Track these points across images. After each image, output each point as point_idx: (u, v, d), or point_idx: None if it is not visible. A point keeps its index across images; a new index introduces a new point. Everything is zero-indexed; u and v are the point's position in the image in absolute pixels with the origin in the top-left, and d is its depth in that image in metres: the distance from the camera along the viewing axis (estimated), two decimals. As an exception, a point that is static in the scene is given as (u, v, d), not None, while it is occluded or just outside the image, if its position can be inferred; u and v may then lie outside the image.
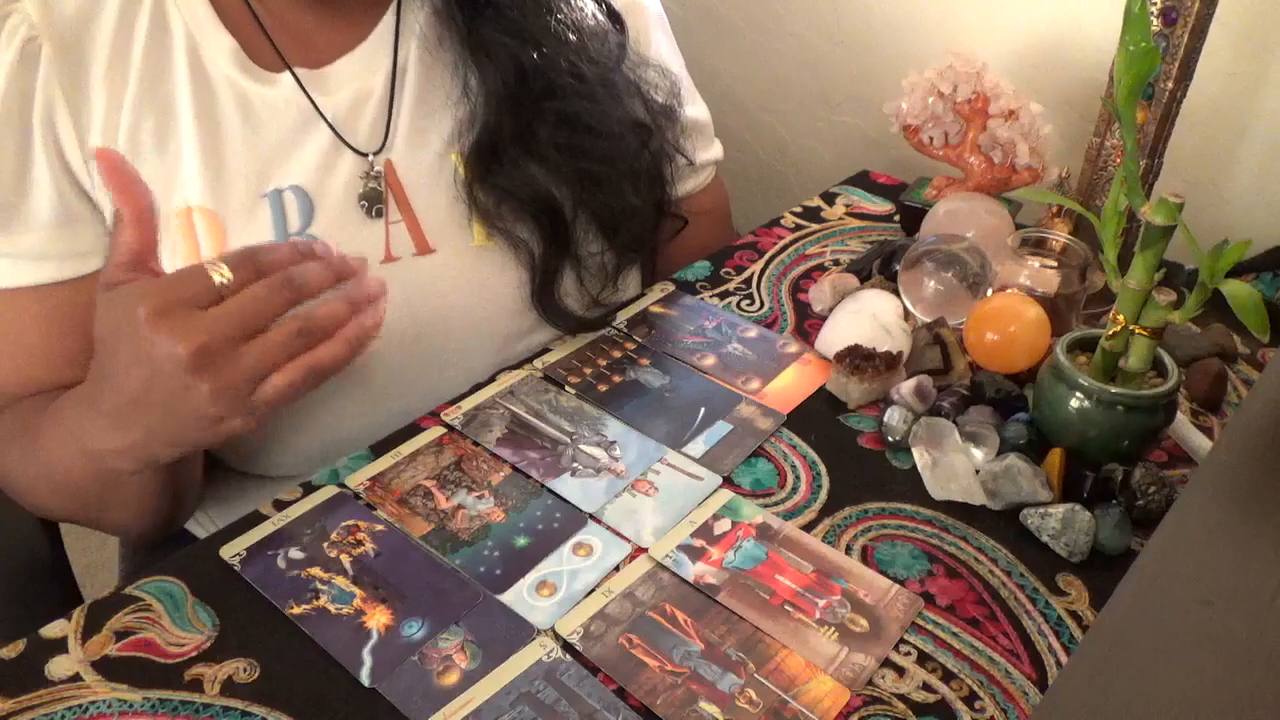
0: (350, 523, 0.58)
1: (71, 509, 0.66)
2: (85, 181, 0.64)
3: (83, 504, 0.64)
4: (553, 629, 0.52)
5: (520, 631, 0.52)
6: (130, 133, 0.64)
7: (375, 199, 0.68)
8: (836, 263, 0.87)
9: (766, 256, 0.87)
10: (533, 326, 0.74)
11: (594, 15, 0.76)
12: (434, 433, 0.65)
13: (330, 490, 0.61)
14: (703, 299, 0.81)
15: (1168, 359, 0.60)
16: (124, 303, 0.51)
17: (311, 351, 0.53)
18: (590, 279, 0.75)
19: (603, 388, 0.70)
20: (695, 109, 0.86)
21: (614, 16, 0.78)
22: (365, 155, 0.69)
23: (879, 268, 0.81)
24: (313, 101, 0.67)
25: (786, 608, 0.53)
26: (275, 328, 0.52)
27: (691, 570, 0.55)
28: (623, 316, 0.78)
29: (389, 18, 0.71)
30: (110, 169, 0.53)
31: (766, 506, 0.60)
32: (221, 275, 0.51)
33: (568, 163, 0.71)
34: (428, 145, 0.71)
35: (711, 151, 0.89)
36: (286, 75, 0.67)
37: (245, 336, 0.51)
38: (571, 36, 0.72)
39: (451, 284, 0.70)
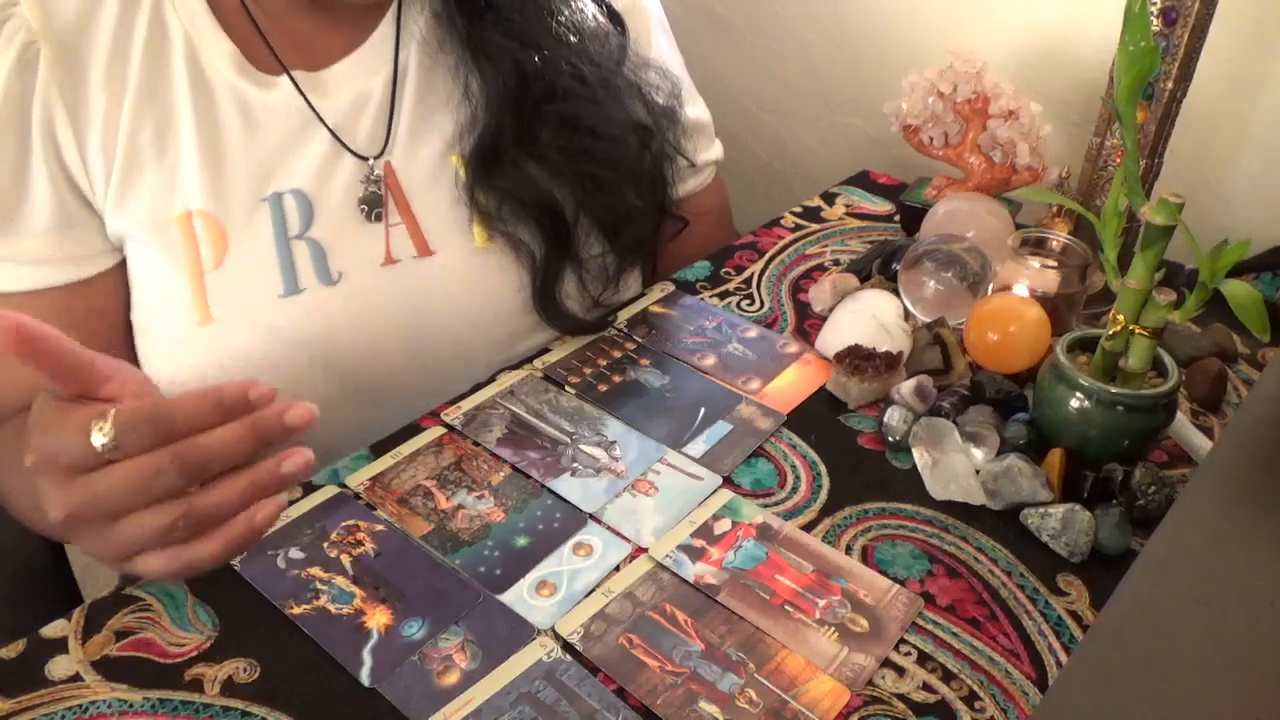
0: (350, 523, 0.58)
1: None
2: (84, 186, 0.64)
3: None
4: (553, 629, 0.52)
5: (520, 631, 0.52)
6: (129, 137, 0.63)
7: (375, 203, 0.68)
8: (836, 263, 0.87)
9: (766, 256, 0.87)
10: (533, 328, 0.74)
11: (594, 17, 0.76)
12: (434, 433, 0.65)
13: (330, 490, 0.61)
14: (703, 299, 0.81)
15: (1168, 359, 0.60)
16: (31, 430, 0.46)
17: (188, 546, 0.46)
18: (591, 281, 0.75)
19: (603, 388, 0.70)
20: (696, 109, 0.86)
21: (614, 18, 0.78)
22: (365, 159, 0.69)
23: (879, 268, 0.81)
24: (311, 105, 0.67)
25: (786, 608, 0.53)
26: (155, 510, 0.45)
27: (691, 570, 0.55)
28: (623, 316, 0.78)
29: (388, 21, 0.71)
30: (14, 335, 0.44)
31: (766, 506, 0.60)
32: (105, 437, 0.44)
33: (569, 165, 0.71)
34: (428, 148, 0.71)
35: (712, 152, 0.89)
36: (285, 79, 0.67)
37: (118, 512, 0.45)
38: (572, 38, 0.72)
39: (452, 286, 0.70)
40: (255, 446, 0.46)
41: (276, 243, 0.66)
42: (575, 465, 0.63)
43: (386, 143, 0.70)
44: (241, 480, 0.47)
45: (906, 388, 0.66)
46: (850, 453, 0.65)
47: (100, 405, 0.45)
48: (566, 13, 0.73)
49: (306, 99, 0.67)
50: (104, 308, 0.66)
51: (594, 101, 0.72)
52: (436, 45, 0.72)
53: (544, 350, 0.74)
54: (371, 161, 0.69)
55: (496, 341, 0.73)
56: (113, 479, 0.44)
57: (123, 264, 0.67)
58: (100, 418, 0.44)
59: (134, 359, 0.68)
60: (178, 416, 0.45)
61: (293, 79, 0.67)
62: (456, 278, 0.70)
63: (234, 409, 0.46)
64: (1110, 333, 0.59)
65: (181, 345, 0.65)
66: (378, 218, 0.69)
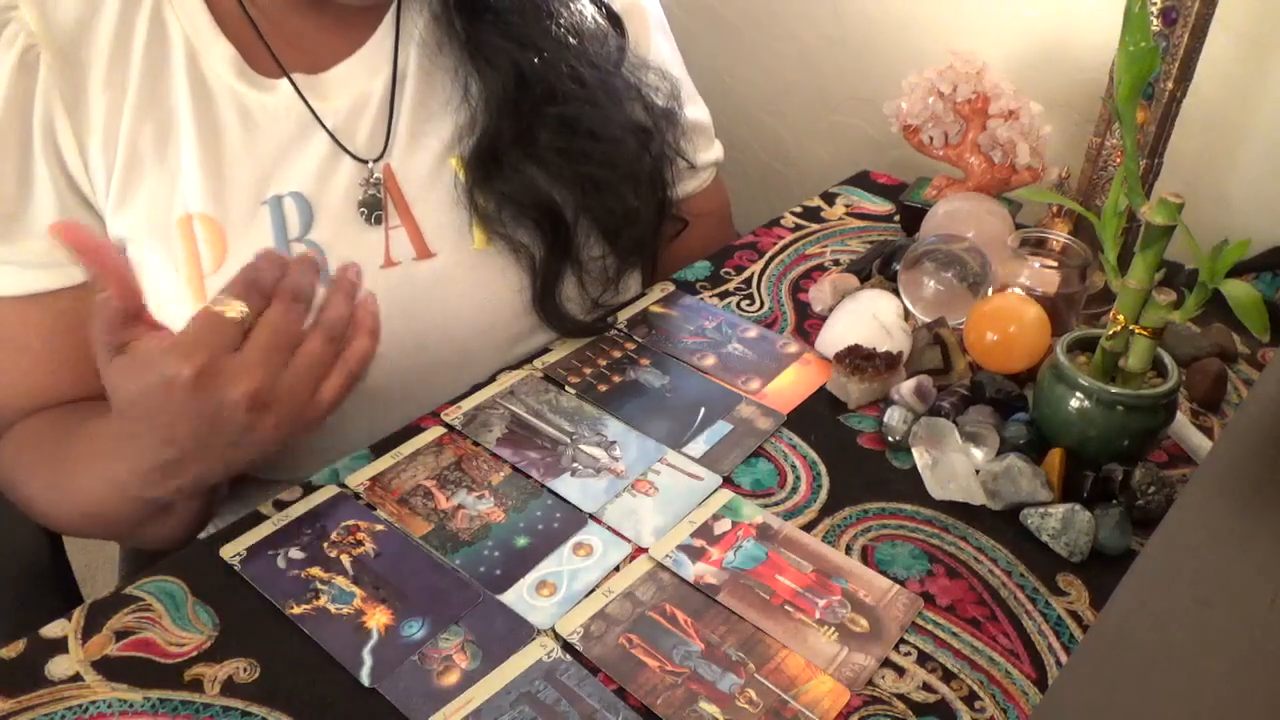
0: (350, 523, 0.58)
1: (102, 533, 0.66)
2: (86, 189, 0.64)
3: (117, 530, 0.64)
4: (553, 629, 0.52)
5: (520, 631, 0.52)
6: (130, 140, 0.63)
7: (374, 205, 0.68)
8: (836, 263, 0.87)
9: (766, 256, 0.87)
10: (533, 329, 0.74)
11: (594, 19, 0.75)
12: (434, 433, 0.65)
13: (330, 490, 0.61)
14: (703, 299, 0.81)
15: (1168, 359, 0.60)
16: (154, 368, 0.51)
17: (346, 351, 0.55)
18: (591, 282, 0.75)
19: (603, 388, 0.70)
20: (695, 110, 0.86)
21: (614, 19, 0.78)
22: (365, 162, 0.69)
23: (879, 268, 0.81)
24: (311, 108, 0.67)
25: (786, 608, 0.53)
26: (305, 342, 0.53)
27: (691, 570, 0.55)
28: (623, 316, 0.78)
29: (387, 24, 0.71)
30: (70, 237, 0.51)
31: (766, 506, 0.60)
32: (237, 311, 0.51)
33: (568, 167, 0.71)
34: (427, 150, 0.71)
35: (712, 153, 0.89)
36: (285, 82, 0.67)
37: (284, 362, 0.52)
38: (572, 40, 0.72)
39: (452, 288, 0.70)
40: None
41: (276, 245, 0.66)
42: (575, 465, 0.63)
43: (386, 145, 0.70)
44: (337, 293, 0.56)
45: (906, 388, 0.66)
46: (850, 453, 0.65)
47: (170, 329, 0.53)
48: (565, 15, 0.73)
49: (306, 101, 0.67)
50: None
51: (593, 103, 0.72)
52: (436, 47, 0.72)
53: (544, 350, 0.74)
54: (371, 164, 0.69)
55: (496, 343, 0.73)
56: (265, 335, 0.52)
57: None
58: (220, 302, 0.51)
59: None
60: (268, 274, 0.53)
61: (292, 82, 0.67)
62: (456, 280, 0.70)
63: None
64: (1110, 333, 0.59)
65: None
66: (377, 220, 0.69)
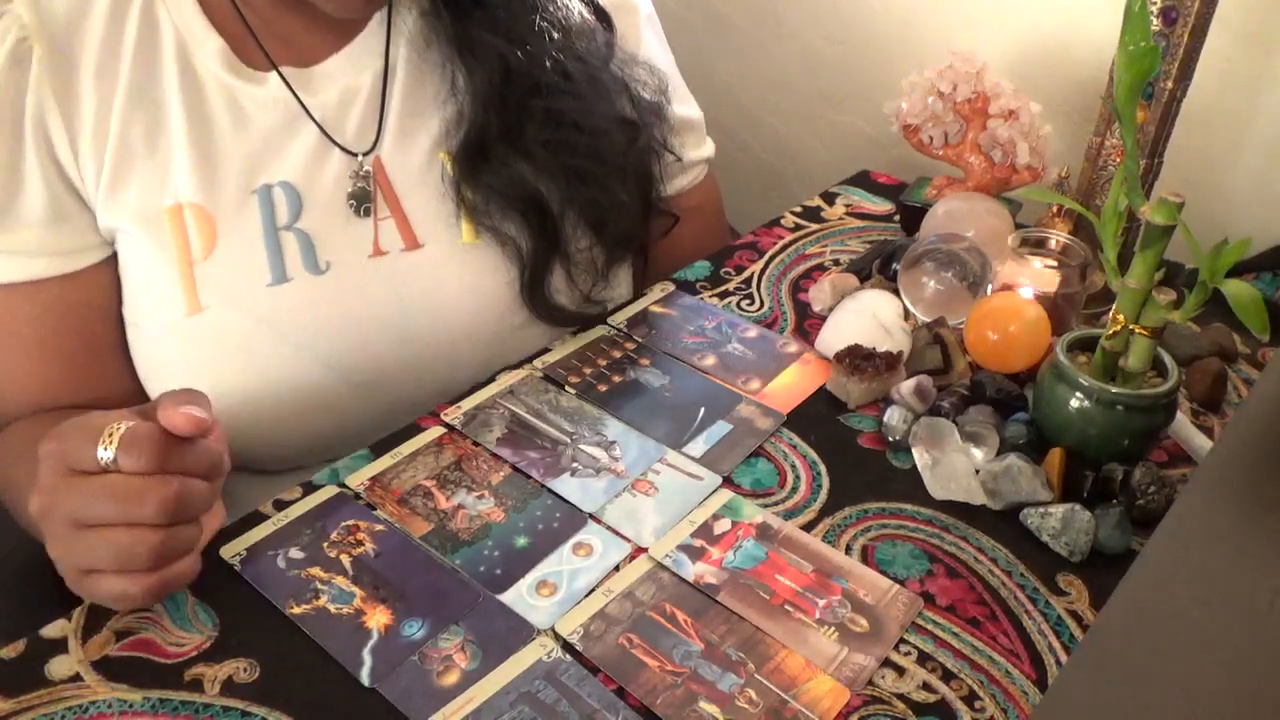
0: (350, 523, 0.58)
1: None
2: (76, 181, 0.64)
3: None
4: (553, 629, 0.52)
5: (520, 631, 0.52)
6: (120, 132, 0.64)
7: (364, 198, 0.69)
8: (836, 263, 0.87)
9: (766, 256, 0.87)
10: (524, 323, 0.74)
11: (581, 14, 0.76)
12: (434, 433, 0.65)
13: (330, 490, 0.61)
14: (703, 299, 0.81)
15: (1168, 359, 0.60)
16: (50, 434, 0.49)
17: (143, 574, 0.49)
18: (580, 275, 0.75)
19: (603, 388, 0.70)
20: (685, 108, 0.86)
21: (601, 14, 0.78)
22: (354, 155, 0.69)
23: (879, 268, 0.81)
24: (300, 100, 0.68)
25: (786, 608, 0.53)
26: (127, 530, 0.48)
27: (691, 570, 0.55)
28: (623, 316, 0.78)
29: (378, 20, 0.71)
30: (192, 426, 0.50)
31: (766, 506, 0.60)
32: (109, 451, 0.47)
33: (555, 160, 0.71)
34: (416, 144, 0.71)
35: (702, 150, 0.89)
36: (274, 75, 0.68)
37: (92, 521, 0.48)
38: (557, 35, 0.73)
39: (440, 279, 0.70)
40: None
41: (265, 233, 0.66)
42: (575, 465, 0.63)
43: (376, 139, 0.70)
44: (197, 530, 0.51)
45: (906, 388, 0.66)
46: (850, 453, 0.65)
47: (117, 417, 0.49)
48: (552, 9, 0.73)
49: (295, 94, 0.68)
50: (95, 301, 0.67)
51: (579, 97, 0.72)
52: (425, 42, 0.72)
53: (544, 350, 0.74)
54: (361, 158, 0.69)
55: (486, 335, 0.73)
56: (97, 486, 0.47)
57: (114, 258, 0.67)
58: (110, 432, 0.48)
59: (126, 352, 0.68)
60: (176, 451, 0.49)
61: (281, 75, 0.68)
62: (444, 271, 0.70)
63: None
64: (1110, 332, 0.59)
65: (172, 336, 0.66)
66: (366, 213, 0.69)
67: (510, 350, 0.73)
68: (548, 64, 0.71)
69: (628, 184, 0.76)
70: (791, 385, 0.71)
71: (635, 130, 0.77)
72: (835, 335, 0.73)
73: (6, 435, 0.67)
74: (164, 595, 0.51)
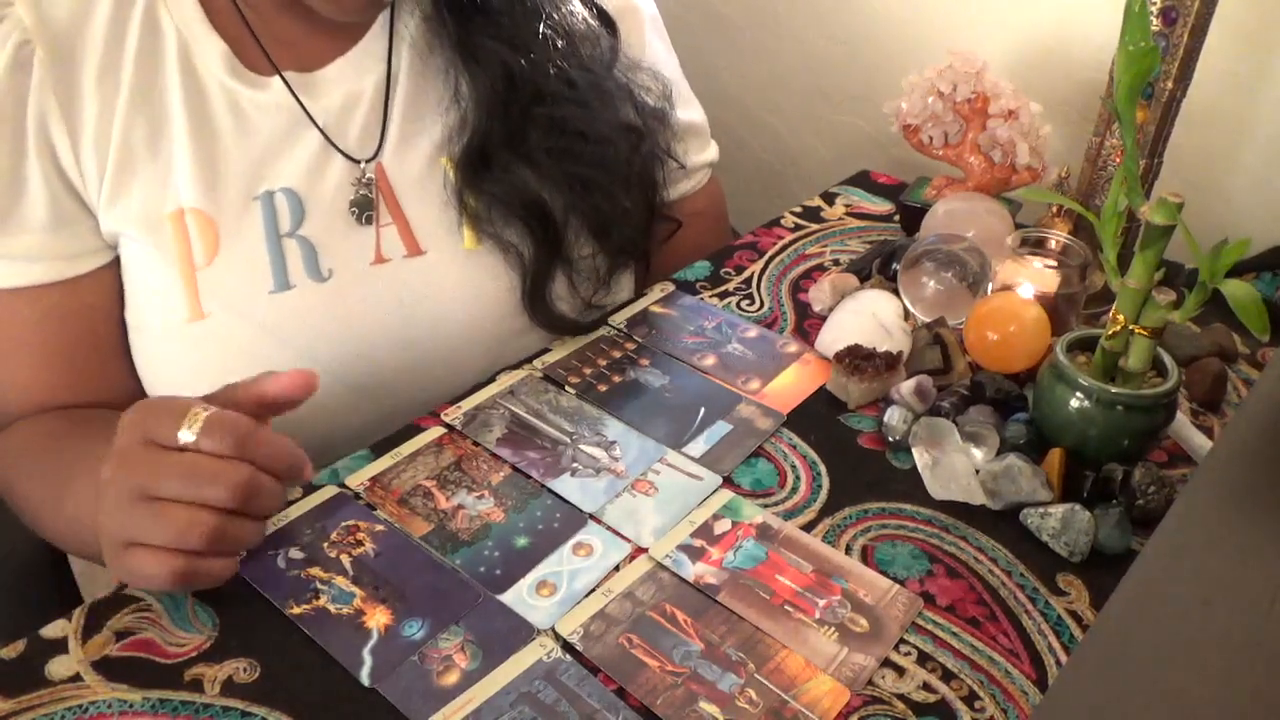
0: (350, 523, 0.58)
1: (78, 551, 0.66)
2: (78, 185, 0.64)
3: (93, 553, 0.64)
4: (553, 629, 0.52)
5: (520, 631, 0.52)
6: (122, 136, 0.64)
7: (366, 205, 0.69)
8: (836, 263, 0.87)
9: (766, 256, 0.87)
10: (525, 329, 0.74)
11: (585, 20, 0.76)
12: (434, 433, 0.65)
13: (330, 490, 0.61)
14: (703, 299, 0.81)
15: (1168, 359, 0.60)
16: (134, 419, 0.51)
17: (187, 558, 0.49)
18: (582, 282, 0.75)
19: (603, 388, 0.70)
20: (689, 112, 0.86)
21: (605, 20, 0.78)
22: (356, 161, 0.69)
23: (879, 268, 0.81)
24: (302, 105, 0.68)
25: (786, 608, 0.53)
26: (189, 510, 0.48)
27: (691, 570, 0.55)
28: (623, 317, 0.78)
29: (379, 25, 0.71)
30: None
31: (766, 506, 0.60)
32: (191, 433, 0.49)
33: (558, 167, 0.71)
34: (419, 150, 0.71)
35: (706, 155, 0.88)
36: (277, 79, 0.68)
37: (159, 495, 0.48)
38: (561, 42, 0.72)
39: (442, 286, 0.70)
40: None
41: (268, 240, 0.66)
42: (575, 465, 0.63)
43: (379, 146, 0.70)
44: (256, 528, 0.52)
45: (906, 388, 0.66)
46: (850, 453, 0.65)
47: (204, 403, 0.51)
48: (556, 16, 0.73)
49: (298, 99, 0.68)
50: (97, 305, 0.67)
51: (582, 104, 0.72)
52: (427, 49, 0.72)
53: (544, 350, 0.74)
54: (363, 165, 0.69)
55: (487, 341, 0.73)
56: (173, 461, 0.49)
57: (116, 262, 0.67)
58: (195, 414, 0.49)
59: (128, 357, 0.68)
60: (260, 443, 0.50)
61: (284, 79, 0.67)
62: (446, 278, 0.70)
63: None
64: (1110, 332, 0.59)
65: (174, 341, 0.66)
66: (368, 220, 0.69)
67: (511, 355, 0.73)
68: (552, 71, 0.71)
69: (631, 191, 0.75)
70: (791, 385, 0.71)
71: (639, 137, 0.77)
72: (835, 335, 0.73)
73: (12, 433, 0.67)
74: (193, 586, 0.51)
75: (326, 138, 0.68)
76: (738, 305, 0.80)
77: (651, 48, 0.82)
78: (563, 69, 0.72)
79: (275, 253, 0.66)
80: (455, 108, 0.71)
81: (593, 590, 0.54)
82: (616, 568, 0.56)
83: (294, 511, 0.59)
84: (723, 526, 0.58)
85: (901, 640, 0.52)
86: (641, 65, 0.79)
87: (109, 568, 0.52)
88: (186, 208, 0.65)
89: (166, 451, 0.49)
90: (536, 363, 0.72)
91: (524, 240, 0.71)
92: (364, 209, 0.69)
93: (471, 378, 0.71)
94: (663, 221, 0.82)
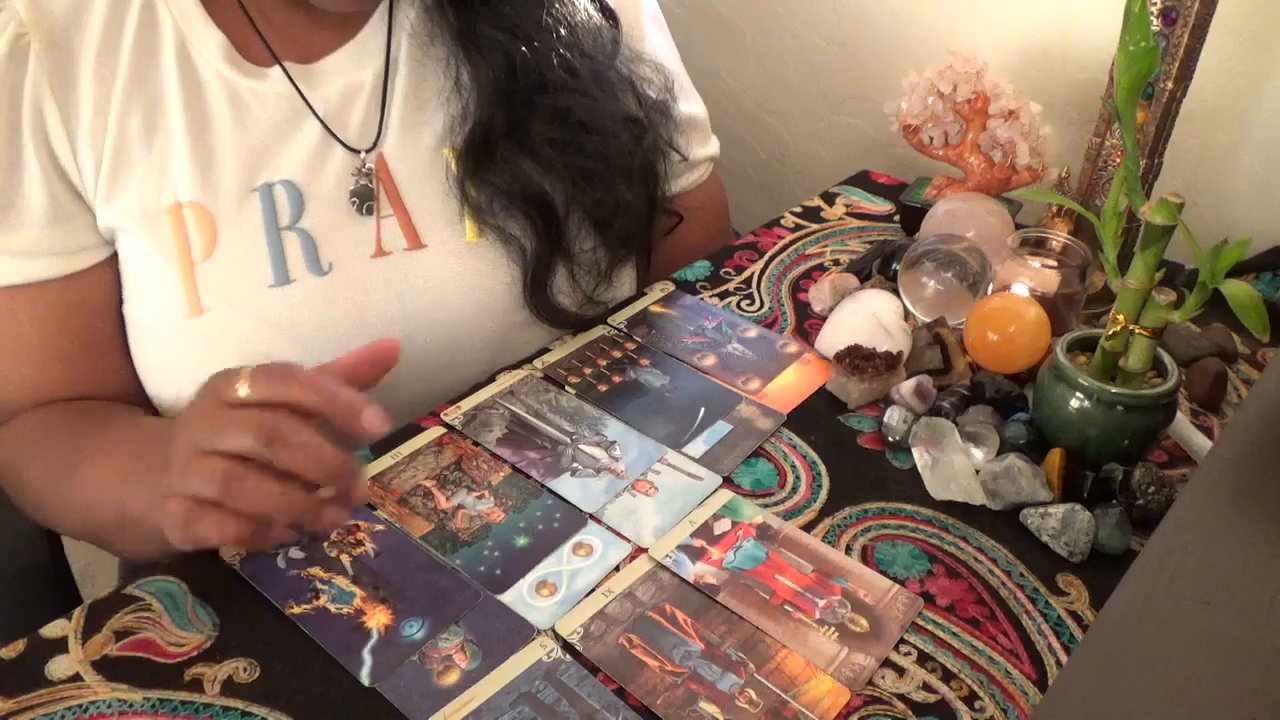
0: (350, 522, 0.58)
1: (84, 533, 0.66)
2: (75, 179, 0.64)
3: (100, 534, 0.64)
4: (553, 629, 0.52)
5: (520, 631, 0.52)
6: (118, 129, 0.64)
7: (366, 196, 0.69)
8: (836, 263, 0.87)
9: (766, 256, 0.87)
10: (526, 323, 0.74)
11: (587, 10, 0.75)
12: (434, 433, 0.65)
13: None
14: (703, 299, 0.81)
15: (1168, 359, 0.60)
16: (212, 379, 0.53)
17: (251, 524, 0.50)
18: (583, 275, 0.75)
19: (603, 388, 0.70)
20: (690, 105, 0.86)
21: (607, 11, 0.78)
22: (357, 152, 0.69)
23: (879, 268, 0.81)
24: (303, 95, 0.68)
25: (786, 608, 0.53)
26: (261, 479, 0.49)
27: (691, 570, 0.55)
28: (623, 316, 0.78)
29: (379, 15, 0.71)
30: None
31: (766, 506, 0.60)
32: (243, 386, 0.51)
33: (560, 158, 0.71)
34: (420, 141, 0.71)
35: (708, 148, 0.88)
36: (276, 70, 0.67)
37: (214, 447, 0.49)
38: (563, 31, 0.72)
39: (443, 279, 0.70)
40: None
41: (267, 233, 0.66)
42: (575, 465, 0.63)
43: (379, 136, 0.70)
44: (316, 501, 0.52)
45: (906, 388, 0.66)
46: (850, 453, 0.65)
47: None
48: (558, 6, 0.73)
49: (298, 89, 0.67)
50: (96, 300, 0.67)
51: (585, 94, 0.72)
52: (428, 39, 0.72)
53: (544, 350, 0.74)
54: (363, 155, 0.69)
55: (488, 335, 0.73)
56: (223, 415, 0.50)
57: (114, 257, 0.67)
58: (248, 371, 0.51)
59: (127, 352, 0.68)
60: (305, 385, 0.51)
61: (284, 69, 0.67)
62: (447, 271, 0.70)
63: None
64: (1110, 333, 0.59)
65: (173, 336, 0.65)
66: (369, 210, 0.69)
67: (512, 349, 0.73)
68: (554, 61, 0.71)
69: (633, 184, 0.75)
70: (791, 385, 0.71)
71: (641, 129, 0.76)
72: (835, 335, 0.73)
73: (16, 424, 0.66)
74: (245, 540, 0.50)
75: (326, 127, 0.68)
76: (738, 305, 0.80)
77: (652, 39, 0.82)
78: (565, 58, 0.71)
79: (274, 245, 0.66)
80: (457, 98, 0.71)
81: (593, 590, 0.54)
82: (616, 568, 0.56)
83: (294, 511, 0.59)
84: (723, 526, 0.58)
85: (901, 640, 0.52)
86: (643, 57, 0.79)
87: (162, 528, 0.52)
88: (184, 201, 0.65)
89: (220, 407, 0.51)
90: (536, 363, 0.72)
91: (525, 233, 0.71)
92: (364, 199, 0.69)
93: (472, 370, 0.71)
94: (664, 215, 0.82)
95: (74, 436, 0.63)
